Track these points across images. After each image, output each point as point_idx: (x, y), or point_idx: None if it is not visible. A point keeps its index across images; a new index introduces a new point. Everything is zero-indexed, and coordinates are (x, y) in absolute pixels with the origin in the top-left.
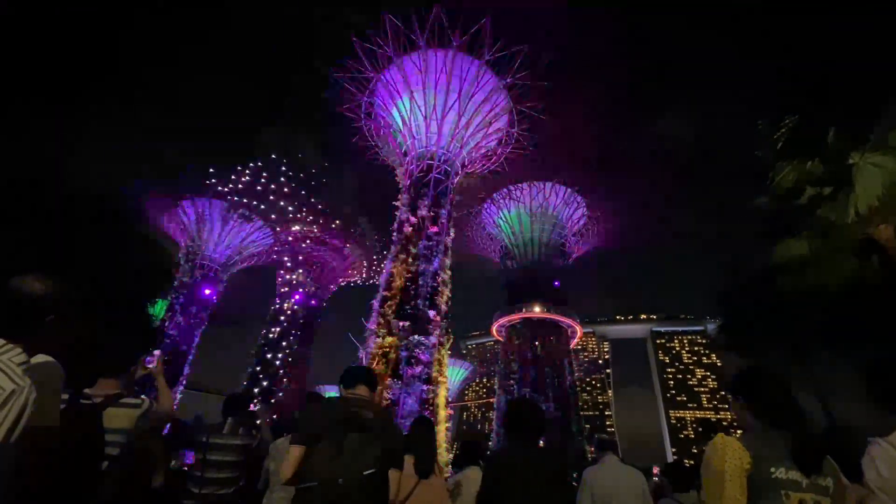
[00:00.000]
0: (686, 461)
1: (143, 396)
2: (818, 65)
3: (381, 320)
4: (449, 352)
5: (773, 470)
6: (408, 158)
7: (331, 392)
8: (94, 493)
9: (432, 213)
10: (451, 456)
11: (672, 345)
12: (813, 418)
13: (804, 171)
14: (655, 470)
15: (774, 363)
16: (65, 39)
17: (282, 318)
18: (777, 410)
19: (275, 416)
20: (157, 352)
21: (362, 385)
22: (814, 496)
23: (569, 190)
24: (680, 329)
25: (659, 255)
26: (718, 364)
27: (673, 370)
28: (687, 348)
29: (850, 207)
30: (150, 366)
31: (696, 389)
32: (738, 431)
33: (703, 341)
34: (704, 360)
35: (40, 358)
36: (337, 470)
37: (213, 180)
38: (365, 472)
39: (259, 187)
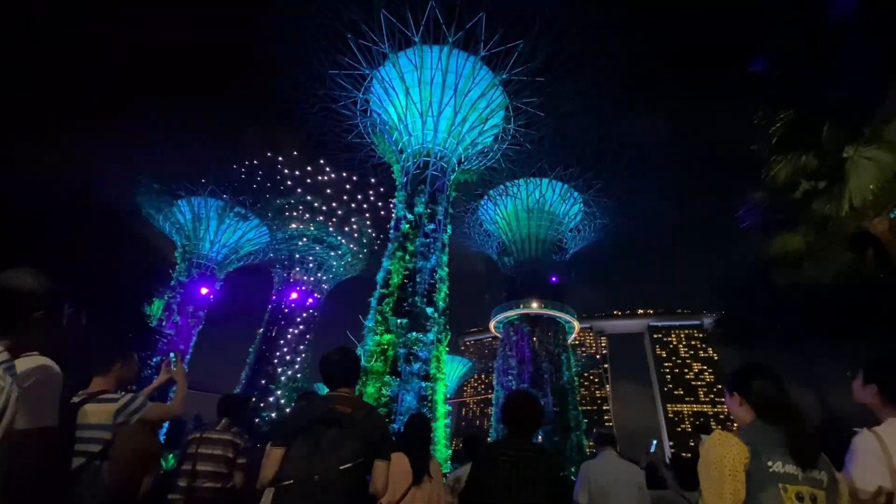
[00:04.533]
0: (683, 454)
1: (131, 394)
2: (814, 59)
3: (379, 317)
4: (447, 348)
5: (770, 464)
6: (404, 155)
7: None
8: (64, 491)
9: (429, 210)
10: (450, 452)
11: (669, 339)
12: (805, 412)
13: (799, 165)
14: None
15: (770, 356)
16: (61, 41)
17: (279, 316)
18: (771, 405)
19: (273, 415)
20: (172, 355)
21: None
22: (809, 489)
23: (565, 186)
24: (677, 323)
25: (656, 249)
26: (715, 358)
27: (670, 364)
28: (684, 342)
29: (844, 201)
30: (174, 368)
31: (693, 383)
32: (736, 426)
33: (700, 335)
34: (701, 354)
35: (39, 360)
36: (313, 466)
37: (209, 179)
38: (342, 467)
39: (255, 185)
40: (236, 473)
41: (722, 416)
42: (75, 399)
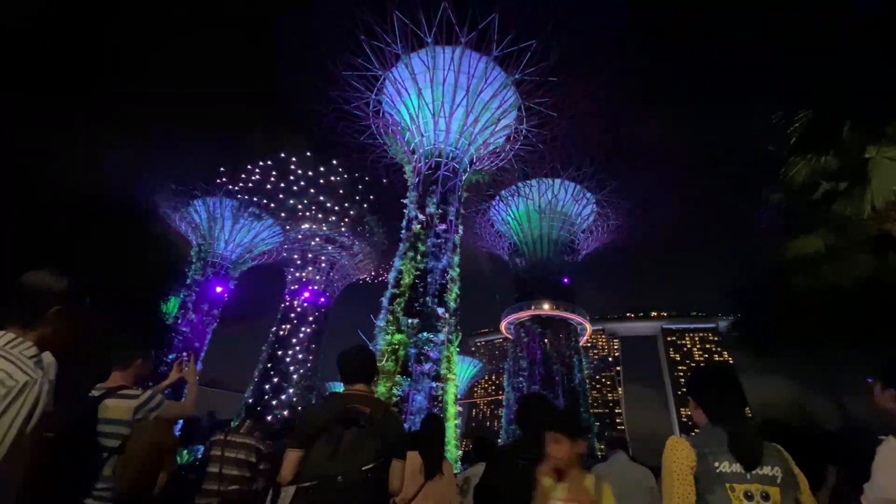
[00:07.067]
0: None
1: (150, 391)
2: (834, 57)
3: (390, 317)
4: (458, 349)
5: (716, 465)
6: (416, 156)
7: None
8: (86, 484)
9: (441, 211)
10: (460, 452)
11: (683, 342)
12: (748, 414)
13: (818, 165)
14: None
15: (788, 362)
16: (71, 36)
17: (292, 315)
18: (717, 407)
19: (285, 413)
20: (185, 355)
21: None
22: (760, 486)
23: (578, 186)
24: (691, 326)
25: (670, 251)
26: (730, 362)
27: (684, 368)
28: (698, 346)
29: (865, 203)
30: (186, 368)
31: None
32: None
33: (715, 339)
34: (716, 357)
35: (50, 355)
36: (335, 467)
37: (224, 179)
38: (364, 468)
39: (269, 185)
40: (259, 479)
41: None
42: (94, 392)
